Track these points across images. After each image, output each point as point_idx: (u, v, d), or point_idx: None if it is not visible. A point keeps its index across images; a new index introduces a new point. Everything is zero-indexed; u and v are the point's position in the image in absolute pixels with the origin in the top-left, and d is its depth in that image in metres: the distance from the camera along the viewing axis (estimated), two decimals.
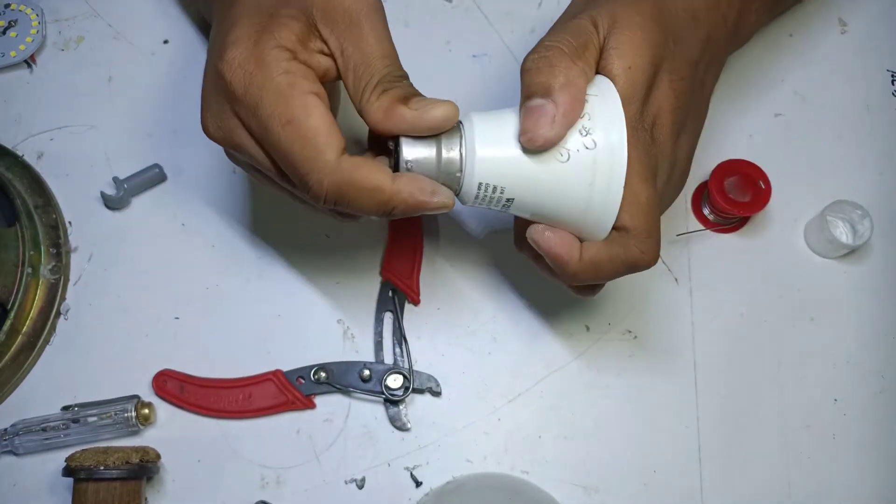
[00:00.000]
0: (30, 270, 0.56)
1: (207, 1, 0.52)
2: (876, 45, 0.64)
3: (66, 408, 0.54)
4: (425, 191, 0.41)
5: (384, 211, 0.41)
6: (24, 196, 0.58)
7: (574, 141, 0.41)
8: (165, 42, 0.63)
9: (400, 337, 0.56)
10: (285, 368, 0.55)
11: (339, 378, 0.55)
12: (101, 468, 0.50)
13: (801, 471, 0.54)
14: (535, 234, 0.43)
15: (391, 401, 0.55)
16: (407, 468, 0.54)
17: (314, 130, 0.40)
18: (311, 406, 0.55)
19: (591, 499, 0.54)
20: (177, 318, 0.57)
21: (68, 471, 0.50)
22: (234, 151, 0.45)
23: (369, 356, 0.56)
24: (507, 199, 0.42)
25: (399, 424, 0.55)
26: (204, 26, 0.64)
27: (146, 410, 0.54)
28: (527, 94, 0.41)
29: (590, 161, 0.41)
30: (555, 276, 0.46)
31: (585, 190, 0.41)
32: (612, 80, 0.42)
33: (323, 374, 0.55)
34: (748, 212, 0.56)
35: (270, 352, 0.56)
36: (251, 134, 0.42)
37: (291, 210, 0.57)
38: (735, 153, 0.58)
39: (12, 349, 0.55)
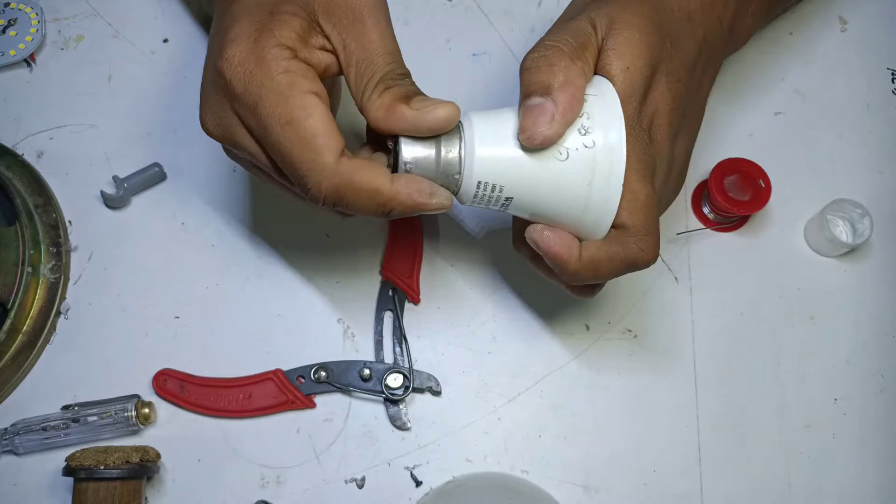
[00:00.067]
0: (30, 270, 0.56)
1: None
2: (876, 44, 0.64)
3: (66, 407, 0.54)
4: (424, 192, 0.41)
5: (383, 212, 0.41)
6: (24, 195, 0.58)
7: (573, 140, 0.41)
8: (165, 41, 0.63)
9: (400, 336, 0.56)
10: (285, 368, 0.55)
11: (339, 377, 0.55)
12: (101, 468, 0.50)
13: (800, 470, 0.54)
14: (534, 233, 0.43)
15: (391, 400, 0.55)
16: (407, 468, 0.54)
17: (313, 132, 0.40)
18: (312, 405, 0.55)
19: (590, 498, 0.54)
20: (177, 317, 0.57)
21: (68, 470, 0.51)
22: (232, 149, 0.45)
23: (369, 355, 0.56)
24: (506, 199, 0.42)
25: (399, 424, 0.55)
26: (205, 21, 0.63)
27: (146, 410, 0.54)
28: (526, 93, 0.41)
29: (589, 159, 0.41)
30: (554, 276, 0.46)
31: (584, 188, 0.41)
32: (610, 81, 0.42)
33: (323, 374, 0.55)
34: (748, 210, 0.56)
35: (270, 351, 0.56)
36: (250, 132, 0.42)
37: (291, 210, 0.57)
38: (735, 152, 0.58)
39: (12, 348, 0.55)
